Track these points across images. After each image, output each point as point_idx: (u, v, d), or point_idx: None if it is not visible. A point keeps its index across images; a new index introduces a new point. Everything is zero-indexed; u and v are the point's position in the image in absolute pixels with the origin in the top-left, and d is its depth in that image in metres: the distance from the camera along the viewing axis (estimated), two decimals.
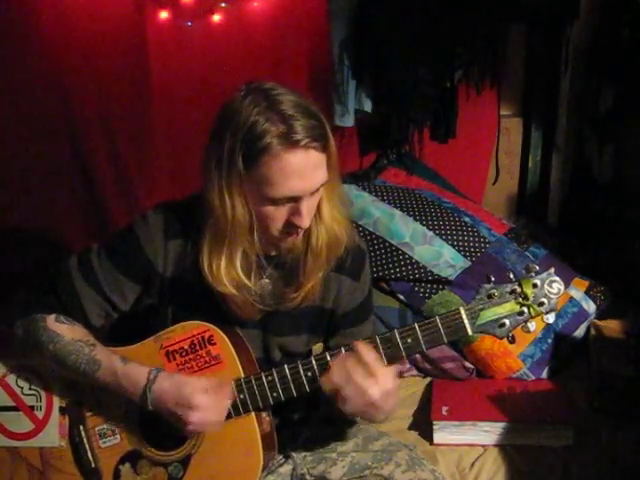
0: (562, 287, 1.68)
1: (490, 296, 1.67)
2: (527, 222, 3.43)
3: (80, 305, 1.82)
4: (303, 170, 1.62)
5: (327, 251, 1.80)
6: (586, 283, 2.81)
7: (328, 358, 1.73)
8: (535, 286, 1.67)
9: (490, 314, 1.67)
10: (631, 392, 2.34)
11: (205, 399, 1.71)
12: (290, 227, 1.70)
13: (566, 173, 3.48)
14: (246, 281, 1.76)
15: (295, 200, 1.65)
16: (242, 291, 1.76)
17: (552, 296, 1.67)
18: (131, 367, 1.75)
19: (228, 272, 1.73)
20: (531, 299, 1.67)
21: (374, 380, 1.65)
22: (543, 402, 2.39)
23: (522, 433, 2.27)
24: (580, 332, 2.68)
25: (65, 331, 1.79)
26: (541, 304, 1.67)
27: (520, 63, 3.42)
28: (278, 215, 1.68)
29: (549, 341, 2.60)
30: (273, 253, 1.82)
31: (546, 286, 1.67)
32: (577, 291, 2.75)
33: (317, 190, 1.68)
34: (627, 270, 2.96)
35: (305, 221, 1.68)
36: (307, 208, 1.67)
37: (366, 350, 1.67)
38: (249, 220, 1.69)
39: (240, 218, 1.68)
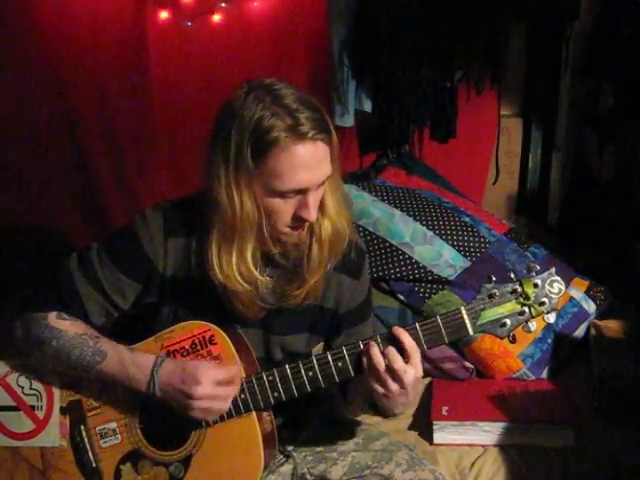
0: (563, 287, 1.68)
1: (491, 296, 1.67)
2: (527, 222, 3.44)
3: (81, 304, 1.82)
4: (311, 162, 1.64)
5: (330, 244, 1.80)
6: (586, 283, 2.81)
7: (329, 358, 1.73)
8: (536, 286, 1.67)
9: (491, 314, 1.68)
10: (631, 392, 2.34)
11: (212, 373, 1.71)
12: (297, 221, 1.71)
13: (566, 173, 3.48)
14: (256, 274, 1.76)
15: (302, 192, 1.67)
16: (252, 286, 1.77)
17: (553, 296, 1.67)
18: (138, 354, 1.76)
19: (239, 268, 1.73)
20: (532, 299, 1.67)
21: (410, 365, 1.67)
22: (543, 402, 2.39)
23: (522, 433, 2.27)
24: (580, 332, 2.68)
25: (68, 327, 1.79)
26: (542, 304, 1.67)
27: (520, 63, 3.42)
28: (286, 209, 1.69)
29: (549, 341, 2.60)
30: (278, 250, 1.82)
31: (547, 286, 1.67)
32: (577, 291, 2.75)
33: (323, 183, 1.70)
34: (627, 270, 2.97)
35: (312, 214, 1.69)
36: (314, 201, 1.69)
37: (405, 335, 1.69)
38: (258, 216, 1.69)
39: (249, 213, 1.68)
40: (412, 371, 1.67)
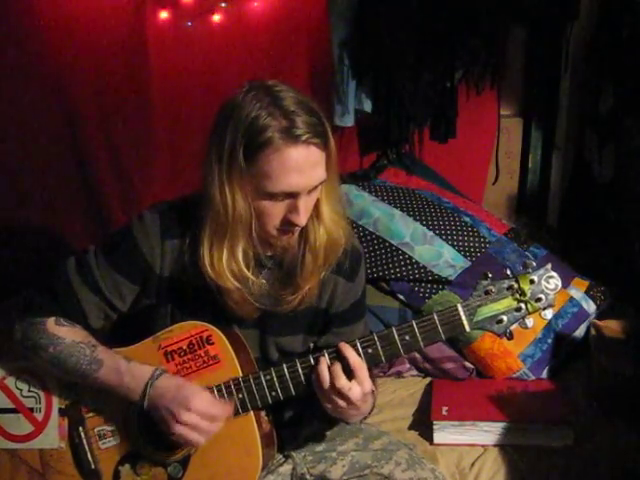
0: (559, 283, 1.68)
1: (487, 292, 1.68)
2: (527, 222, 3.43)
3: (79, 307, 1.82)
4: (303, 166, 1.63)
5: (325, 252, 1.81)
6: (586, 283, 2.81)
7: (326, 356, 1.73)
8: (532, 282, 1.67)
9: (487, 310, 1.68)
10: (631, 392, 2.34)
11: (203, 404, 1.70)
12: (287, 225, 1.71)
13: (566, 173, 3.48)
14: (247, 273, 1.76)
15: (293, 196, 1.66)
16: (243, 284, 1.77)
17: (549, 292, 1.67)
18: (135, 365, 1.76)
19: (229, 265, 1.74)
20: (528, 295, 1.67)
21: (355, 382, 1.69)
22: (543, 402, 2.39)
23: (522, 433, 2.27)
24: (580, 332, 2.68)
25: (66, 333, 1.80)
26: (538, 300, 1.67)
27: (520, 63, 3.42)
28: (275, 211, 1.68)
29: (549, 341, 2.60)
30: (269, 253, 1.82)
31: (543, 282, 1.67)
32: (577, 291, 2.75)
33: (315, 188, 1.69)
34: (627, 270, 2.96)
35: (302, 219, 1.68)
36: (304, 206, 1.68)
37: (350, 352, 1.70)
38: (249, 214, 1.69)
39: (241, 212, 1.68)
40: (357, 388, 1.69)
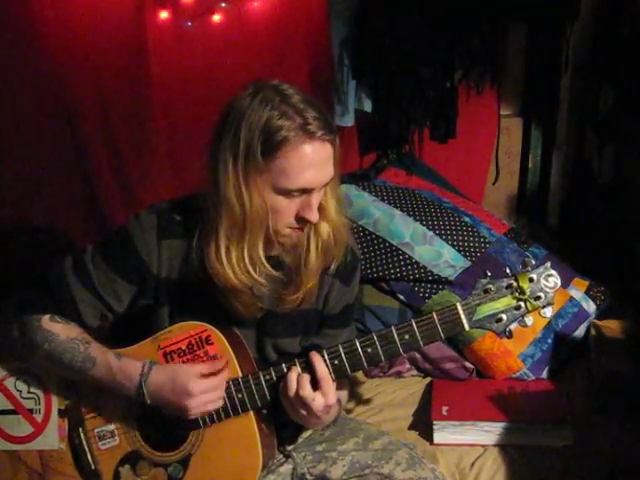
0: (558, 281, 1.69)
1: (486, 291, 1.68)
2: (527, 222, 3.43)
3: (75, 306, 1.83)
4: (318, 161, 1.67)
5: (329, 248, 1.83)
6: (586, 283, 2.81)
7: (326, 356, 1.74)
8: (531, 280, 1.68)
9: (487, 309, 1.68)
10: (631, 392, 2.34)
11: (201, 383, 1.73)
12: (299, 222, 1.73)
13: (566, 173, 3.48)
14: (255, 275, 1.77)
15: (307, 192, 1.69)
16: (253, 285, 1.78)
17: (549, 290, 1.68)
18: (125, 362, 1.76)
19: (244, 265, 1.75)
20: (527, 293, 1.68)
21: (320, 393, 1.73)
22: (543, 402, 2.39)
23: (522, 433, 2.26)
24: (580, 332, 2.68)
25: (60, 330, 1.80)
26: (538, 298, 1.68)
27: (520, 63, 3.42)
28: (289, 208, 1.71)
29: (549, 341, 2.59)
30: (274, 253, 1.82)
31: (542, 280, 1.68)
32: (577, 291, 2.75)
33: (326, 184, 1.72)
34: (627, 270, 2.96)
35: (315, 215, 1.71)
36: (317, 202, 1.71)
37: (319, 363, 1.74)
38: (266, 212, 1.71)
39: (258, 210, 1.70)
40: (321, 400, 1.73)
